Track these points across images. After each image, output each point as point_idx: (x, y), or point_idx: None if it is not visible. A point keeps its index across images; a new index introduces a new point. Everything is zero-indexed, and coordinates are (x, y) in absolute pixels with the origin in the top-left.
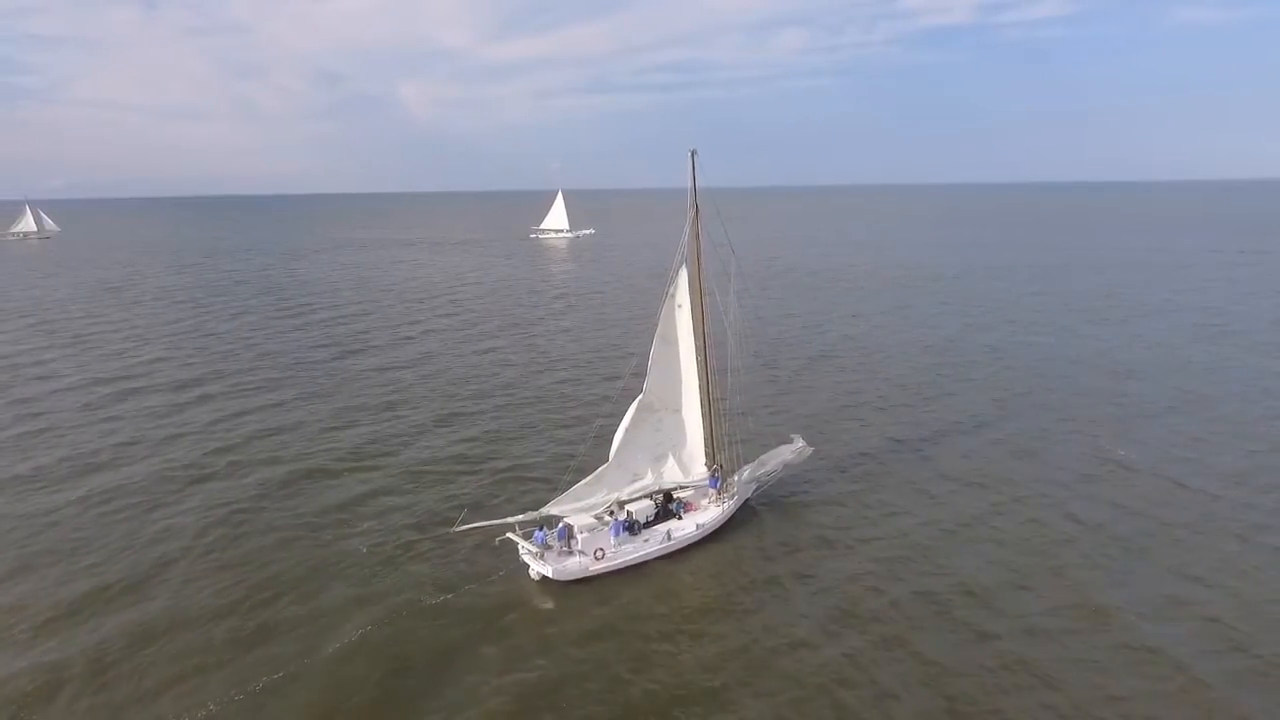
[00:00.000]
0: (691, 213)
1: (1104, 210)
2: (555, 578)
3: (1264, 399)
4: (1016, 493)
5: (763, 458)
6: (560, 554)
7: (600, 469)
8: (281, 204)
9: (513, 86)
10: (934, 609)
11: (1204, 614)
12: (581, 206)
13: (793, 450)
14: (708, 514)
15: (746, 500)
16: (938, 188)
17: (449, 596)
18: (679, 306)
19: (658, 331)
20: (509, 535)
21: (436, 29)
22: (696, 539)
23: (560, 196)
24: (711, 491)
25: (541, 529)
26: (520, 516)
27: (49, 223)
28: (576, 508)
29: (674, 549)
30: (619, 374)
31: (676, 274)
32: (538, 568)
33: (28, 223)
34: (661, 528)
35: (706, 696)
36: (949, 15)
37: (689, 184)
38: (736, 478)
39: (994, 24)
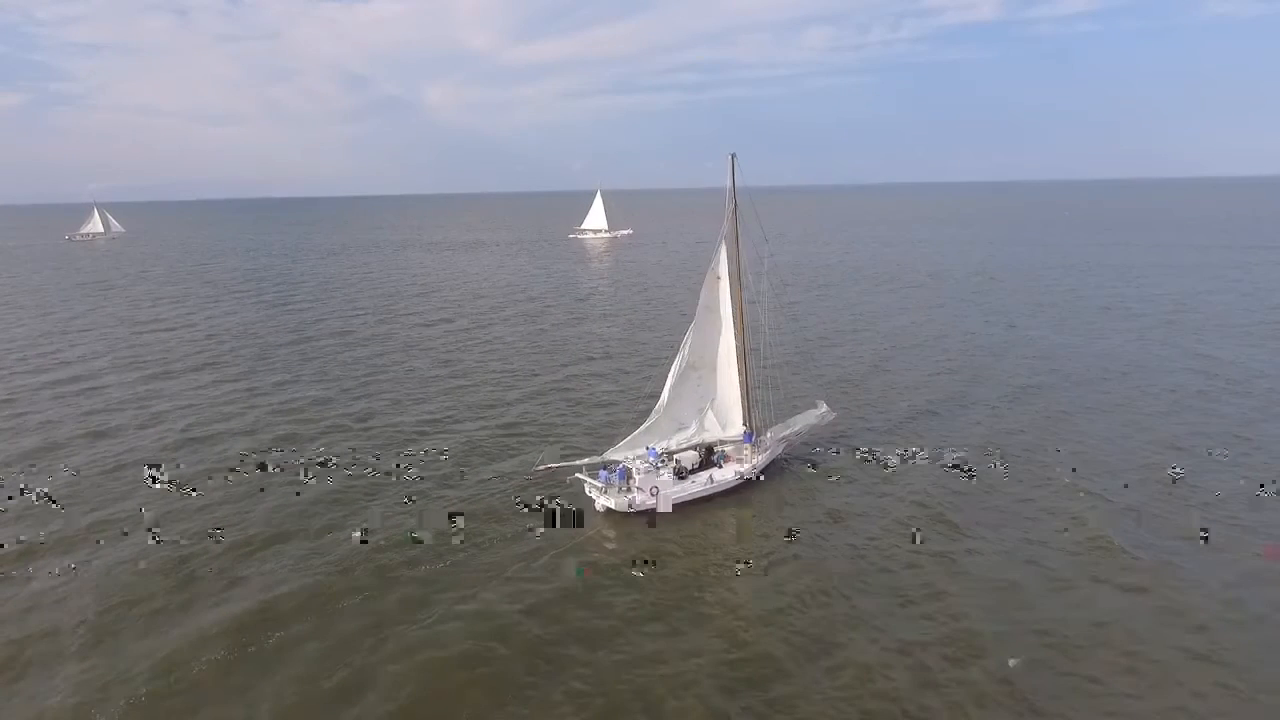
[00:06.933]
0: (731, 206)
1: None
2: (617, 509)
3: None
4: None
5: (791, 419)
6: (621, 491)
7: (650, 420)
8: (315, 206)
9: (539, 88)
10: (911, 544)
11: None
12: (617, 207)
13: (818, 414)
14: (743, 465)
15: (777, 455)
16: (966, 186)
17: (534, 522)
18: (718, 278)
19: (700, 300)
20: (578, 475)
21: (462, 32)
22: (733, 484)
23: (599, 197)
24: (747, 446)
25: (605, 470)
26: (588, 460)
27: (115, 224)
28: (634, 454)
29: (714, 491)
30: (660, 359)
31: (717, 251)
32: (603, 501)
33: (95, 224)
34: (704, 474)
35: (727, 590)
36: (976, 12)
37: (728, 182)
38: (769, 435)
39: (1022, 20)
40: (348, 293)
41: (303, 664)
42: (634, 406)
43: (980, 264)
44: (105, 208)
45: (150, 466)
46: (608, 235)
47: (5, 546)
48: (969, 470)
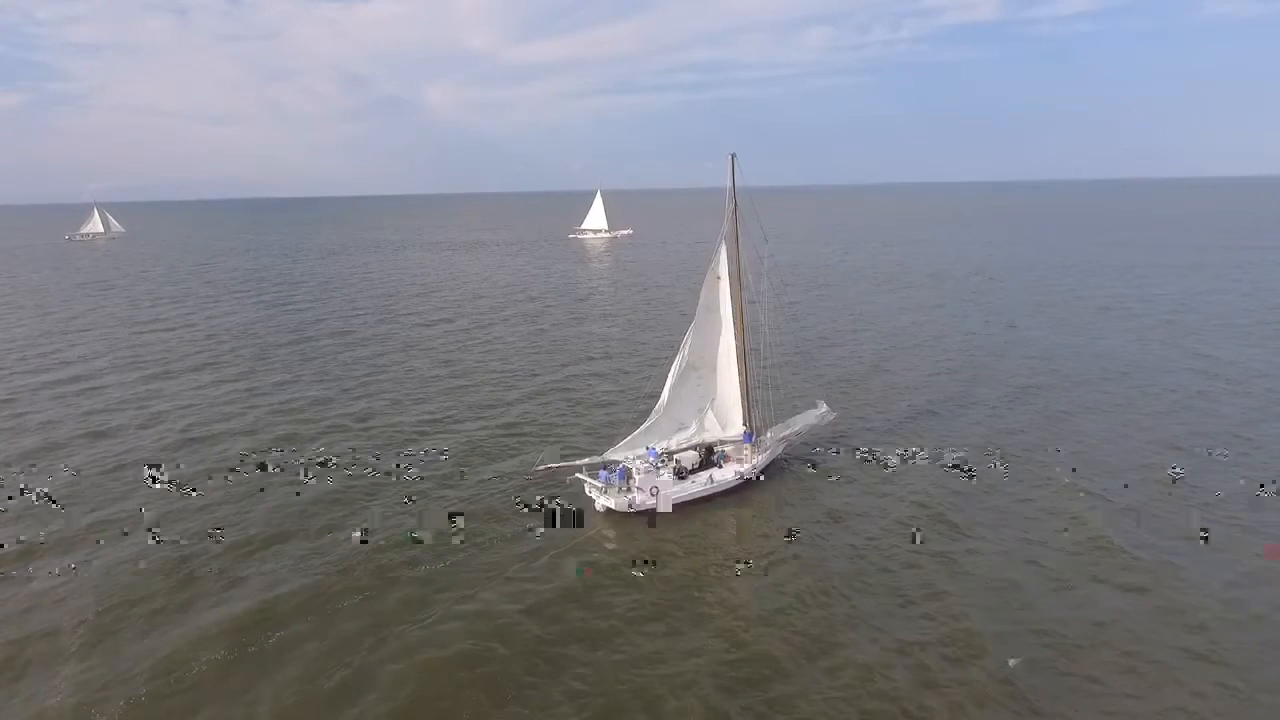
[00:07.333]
0: (731, 206)
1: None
2: (617, 509)
3: None
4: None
5: (791, 419)
6: (621, 491)
7: (650, 420)
8: (315, 206)
9: (539, 88)
10: (911, 544)
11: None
12: (617, 207)
13: (818, 414)
14: (743, 465)
15: (777, 455)
16: (966, 186)
17: (534, 522)
18: (718, 278)
19: (700, 300)
20: (578, 475)
21: (462, 32)
22: (733, 484)
23: (599, 197)
24: (747, 446)
25: (605, 470)
26: (587, 460)
27: (115, 224)
28: (634, 454)
29: (714, 491)
30: (660, 359)
31: (717, 251)
32: (603, 501)
33: (95, 224)
34: (704, 474)
35: (727, 590)
36: (975, 12)
37: (728, 182)
38: (769, 435)
39: (1022, 20)
40: (348, 293)
41: (303, 664)
42: (634, 406)
43: (980, 264)
44: (105, 208)
45: (150, 466)
46: (608, 235)
47: (5, 546)
48: (969, 470)
